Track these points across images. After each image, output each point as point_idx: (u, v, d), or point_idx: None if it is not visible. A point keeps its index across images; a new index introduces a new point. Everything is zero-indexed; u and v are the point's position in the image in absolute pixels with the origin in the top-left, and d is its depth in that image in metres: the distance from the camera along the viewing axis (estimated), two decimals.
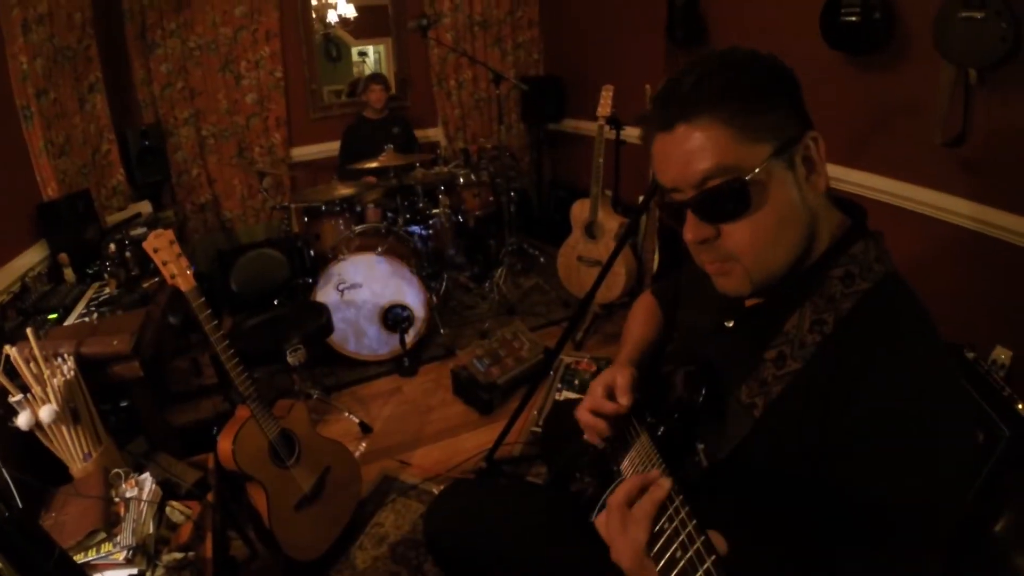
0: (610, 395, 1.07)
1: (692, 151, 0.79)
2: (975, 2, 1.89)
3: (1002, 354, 2.17)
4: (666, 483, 0.70)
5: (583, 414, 1.08)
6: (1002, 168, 2.10)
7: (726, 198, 0.79)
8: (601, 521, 0.77)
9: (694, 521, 0.64)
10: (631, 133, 3.48)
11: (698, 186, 0.80)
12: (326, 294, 3.05)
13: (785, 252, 0.82)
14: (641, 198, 3.32)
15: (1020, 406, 1.63)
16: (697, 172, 0.79)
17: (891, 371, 0.75)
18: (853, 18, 2.30)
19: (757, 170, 0.77)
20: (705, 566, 0.59)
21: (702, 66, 0.80)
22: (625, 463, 1.00)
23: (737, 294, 0.87)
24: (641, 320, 1.30)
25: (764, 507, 0.83)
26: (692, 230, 0.83)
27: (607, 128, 3.22)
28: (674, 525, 0.66)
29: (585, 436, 1.11)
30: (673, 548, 0.64)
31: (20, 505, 1.23)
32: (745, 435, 0.85)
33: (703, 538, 0.61)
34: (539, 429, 2.53)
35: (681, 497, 0.70)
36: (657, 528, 0.68)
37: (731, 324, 0.97)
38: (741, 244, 0.81)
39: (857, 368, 0.76)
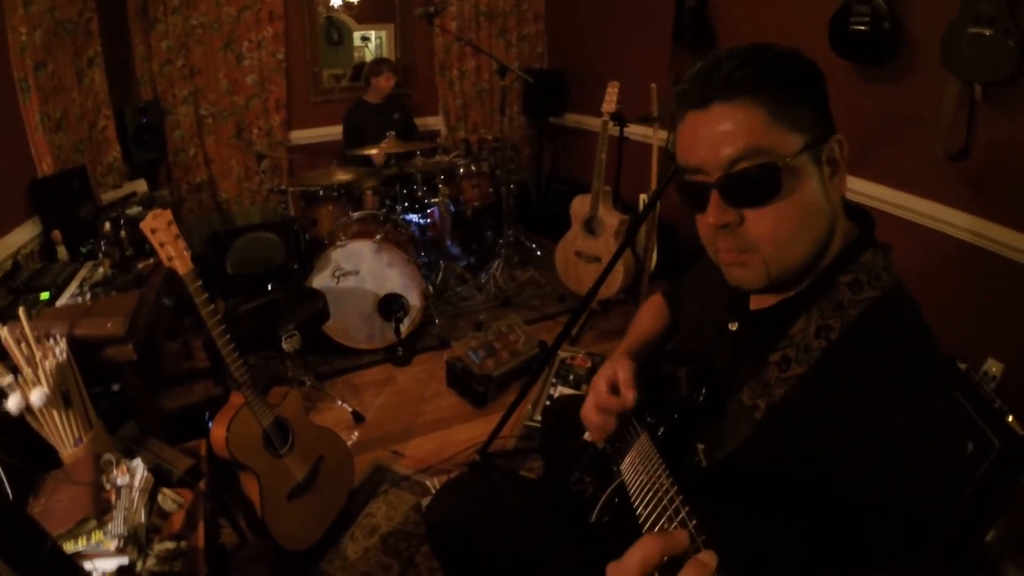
0: (614, 389, 1.06)
1: (725, 132, 0.78)
2: (984, 19, 1.89)
3: (993, 366, 2.19)
4: (711, 561, 0.56)
5: (590, 413, 1.07)
6: (1003, 184, 2.11)
7: (757, 181, 0.78)
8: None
9: (694, 521, 0.64)
10: (635, 130, 3.48)
11: (726, 168, 0.79)
12: (322, 280, 3.03)
13: (805, 247, 0.82)
14: (642, 196, 3.32)
15: (1010, 419, 1.65)
16: (727, 153, 0.78)
17: (891, 384, 0.75)
18: (862, 27, 2.30)
19: (790, 158, 0.77)
20: None
21: (744, 53, 0.79)
22: (625, 463, 0.99)
23: (751, 287, 0.87)
24: (647, 317, 1.31)
25: (763, 508, 0.83)
26: (715, 214, 0.82)
27: (611, 124, 3.20)
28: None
29: (587, 436, 1.11)
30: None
31: (10, 495, 1.21)
32: (746, 436, 0.85)
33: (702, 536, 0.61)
34: (534, 423, 2.54)
35: (681, 497, 0.70)
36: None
37: (735, 327, 0.97)
38: (764, 233, 0.80)
39: (859, 377, 0.77)
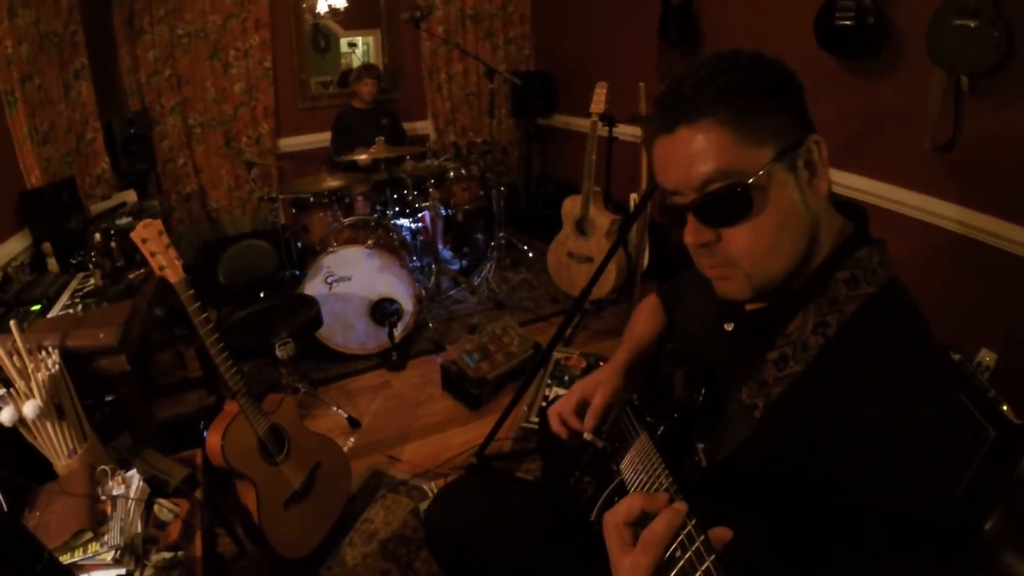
0: (583, 407, 1.11)
1: (693, 154, 0.78)
2: (968, 10, 1.91)
3: (987, 356, 2.21)
4: (682, 508, 0.64)
5: (553, 415, 1.13)
6: (990, 174, 2.12)
7: (727, 202, 0.78)
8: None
9: (693, 521, 0.64)
10: (624, 130, 3.48)
11: (699, 189, 0.79)
12: (314, 287, 3.03)
13: (786, 257, 0.82)
14: (633, 196, 3.33)
15: (1005, 408, 1.65)
16: (698, 175, 0.78)
17: (890, 380, 0.75)
18: (847, 22, 2.31)
19: (759, 174, 0.76)
20: (705, 565, 0.58)
21: (704, 68, 0.79)
22: (624, 463, 1.00)
23: (737, 299, 0.87)
24: (645, 319, 1.30)
25: (764, 508, 0.82)
26: (692, 234, 0.82)
27: (600, 125, 3.21)
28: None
29: (586, 435, 1.12)
30: (672, 548, 0.63)
31: (5, 508, 1.20)
32: (745, 436, 0.85)
33: (703, 537, 0.61)
34: (530, 425, 2.54)
35: (680, 496, 0.70)
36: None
37: (730, 328, 0.97)
38: (742, 249, 0.80)
39: (857, 374, 0.76)
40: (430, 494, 2.24)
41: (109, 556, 1.21)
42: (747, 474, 0.85)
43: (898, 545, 0.72)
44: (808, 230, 0.82)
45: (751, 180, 0.76)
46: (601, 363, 1.58)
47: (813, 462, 0.77)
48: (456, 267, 4.13)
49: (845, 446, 0.74)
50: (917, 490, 0.72)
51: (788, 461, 0.80)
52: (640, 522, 0.67)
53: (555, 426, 1.13)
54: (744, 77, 0.78)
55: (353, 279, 3.08)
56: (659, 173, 0.85)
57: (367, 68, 4.06)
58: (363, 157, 3.46)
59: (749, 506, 0.84)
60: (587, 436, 1.13)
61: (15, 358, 1.39)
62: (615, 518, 0.69)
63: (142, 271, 2.25)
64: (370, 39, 4.60)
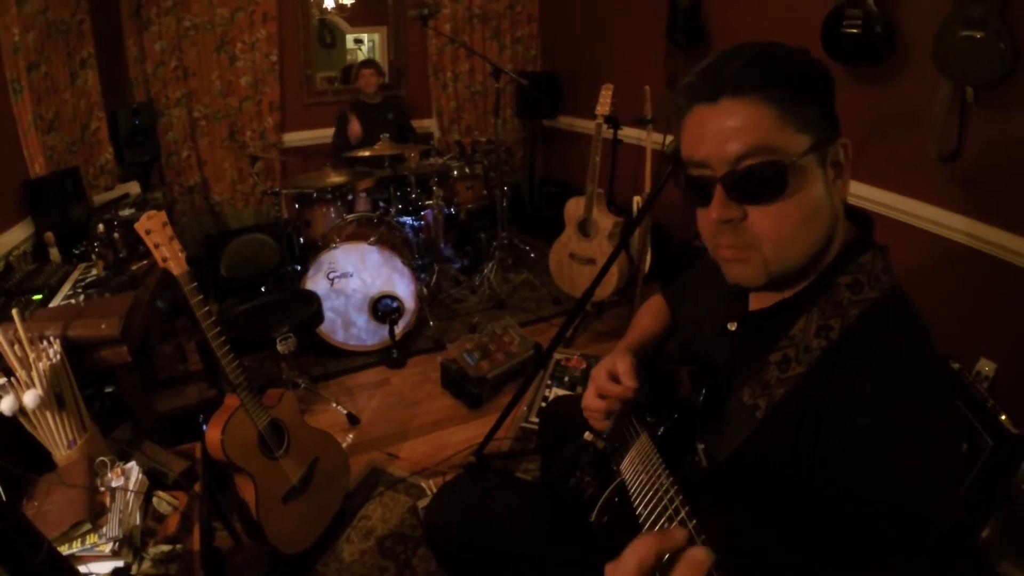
0: (613, 379, 1.06)
1: (734, 127, 0.77)
2: (975, 21, 1.91)
3: (986, 366, 2.21)
4: (705, 558, 0.55)
5: (590, 400, 1.07)
6: (994, 185, 2.12)
7: (763, 179, 0.77)
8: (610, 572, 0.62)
9: (694, 521, 0.64)
10: (628, 133, 3.48)
11: (733, 163, 0.78)
12: (316, 282, 3.03)
13: (806, 247, 0.82)
14: (636, 198, 3.33)
15: (1003, 417, 1.65)
16: (736, 148, 0.77)
17: (891, 384, 0.75)
18: (854, 30, 2.31)
19: (797, 158, 0.77)
20: None
21: (755, 50, 0.79)
22: (625, 463, 1.00)
23: (750, 285, 0.86)
24: (647, 316, 1.31)
25: (763, 508, 0.83)
26: (719, 208, 0.81)
27: (605, 127, 3.21)
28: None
29: (587, 435, 1.12)
30: None
31: (4, 497, 1.20)
32: (746, 436, 0.85)
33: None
34: (529, 425, 2.54)
35: (681, 497, 0.70)
36: None
37: (734, 327, 0.97)
38: (767, 230, 0.80)
39: (859, 377, 0.77)
40: (428, 492, 2.25)
41: (107, 548, 1.21)
42: (747, 474, 0.86)
43: (899, 544, 0.73)
44: (829, 226, 0.83)
45: (789, 161, 0.77)
46: None
47: (814, 463, 0.77)
48: (458, 266, 4.13)
49: (846, 448, 0.75)
50: (918, 490, 0.72)
51: (788, 461, 0.80)
52: (656, 566, 0.58)
53: (593, 404, 1.06)
54: (793, 66, 0.79)
55: (355, 275, 3.09)
56: (690, 143, 0.83)
57: (363, 62, 4.08)
58: (367, 153, 3.46)
59: (749, 506, 0.84)
60: (587, 436, 1.13)
61: (16, 347, 1.39)
62: (625, 571, 0.58)
63: (144, 263, 2.25)
64: (376, 36, 4.60)
